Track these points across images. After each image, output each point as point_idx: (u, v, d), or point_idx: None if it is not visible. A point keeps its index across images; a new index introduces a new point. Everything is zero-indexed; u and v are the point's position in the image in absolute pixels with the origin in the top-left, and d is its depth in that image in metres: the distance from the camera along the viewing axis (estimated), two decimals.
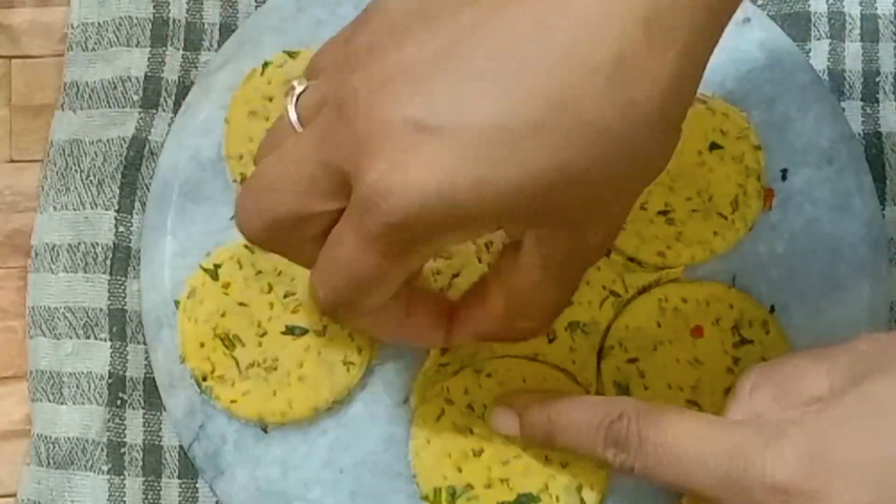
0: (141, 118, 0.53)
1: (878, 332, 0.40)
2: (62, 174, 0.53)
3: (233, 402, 0.49)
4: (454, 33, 0.35)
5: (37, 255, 0.53)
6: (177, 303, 0.50)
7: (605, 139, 0.34)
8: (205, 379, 0.49)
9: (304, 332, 0.49)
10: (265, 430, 0.49)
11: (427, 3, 0.36)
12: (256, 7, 0.55)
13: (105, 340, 0.52)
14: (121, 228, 0.52)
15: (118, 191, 0.53)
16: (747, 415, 0.40)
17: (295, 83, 0.40)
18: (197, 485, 0.51)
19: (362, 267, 0.37)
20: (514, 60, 0.34)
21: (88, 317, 0.52)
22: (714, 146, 0.51)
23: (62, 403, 0.51)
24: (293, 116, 0.39)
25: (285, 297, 0.49)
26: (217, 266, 0.50)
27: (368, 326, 0.44)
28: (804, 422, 0.37)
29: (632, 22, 0.34)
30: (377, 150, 0.35)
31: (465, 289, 0.49)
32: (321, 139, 0.37)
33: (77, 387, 0.51)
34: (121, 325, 0.52)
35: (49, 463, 0.51)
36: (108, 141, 0.53)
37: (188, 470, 0.51)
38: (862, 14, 0.54)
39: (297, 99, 0.39)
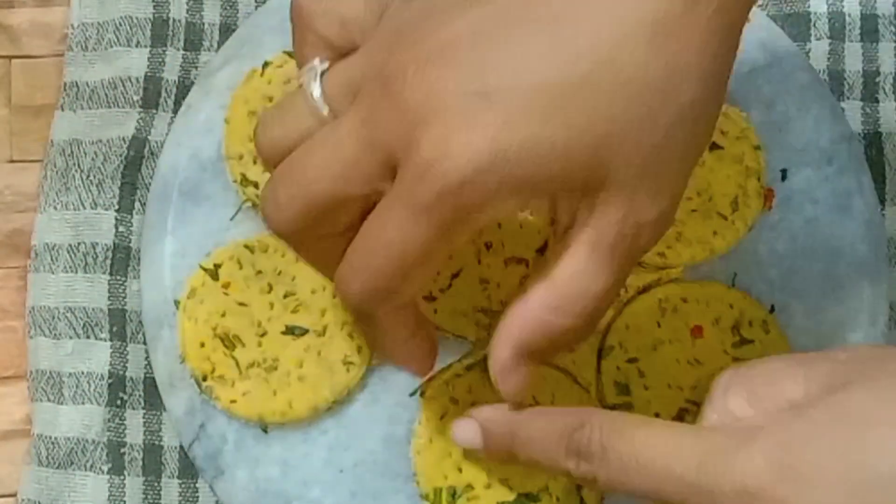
0: (141, 118, 0.53)
1: (859, 344, 0.40)
2: (62, 174, 0.53)
3: (233, 401, 0.49)
4: (501, 4, 0.36)
5: (37, 255, 0.53)
6: (177, 303, 0.50)
7: (650, 94, 0.35)
8: (205, 379, 0.49)
9: (304, 332, 0.49)
10: (265, 430, 0.49)
11: None
12: (256, 7, 0.55)
13: (105, 340, 0.52)
14: (121, 228, 0.52)
15: (118, 191, 0.53)
16: (720, 414, 0.39)
17: (316, 62, 0.40)
18: (197, 485, 0.51)
19: (409, 242, 0.36)
20: (559, 23, 0.35)
21: (88, 317, 0.52)
22: (714, 146, 0.51)
23: (62, 403, 0.51)
24: (317, 94, 0.39)
25: (285, 297, 0.49)
26: (217, 266, 0.50)
27: (381, 334, 0.43)
28: (776, 428, 0.36)
29: None
30: (431, 120, 0.35)
31: (464, 290, 0.49)
32: (365, 118, 0.37)
33: (77, 387, 0.51)
34: (121, 324, 0.52)
35: (49, 463, 0.51)
36: (108, 141, 0.53)
37: (188, 470, 0.51)
38: (862, 14, 0.54)
39: (321, 78, 0.39)
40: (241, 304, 0.49)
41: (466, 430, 0.45)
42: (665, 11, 0.35)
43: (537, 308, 0.38)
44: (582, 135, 0.35)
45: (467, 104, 0.35)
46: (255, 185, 0.50)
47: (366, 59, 0.38)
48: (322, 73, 0.39)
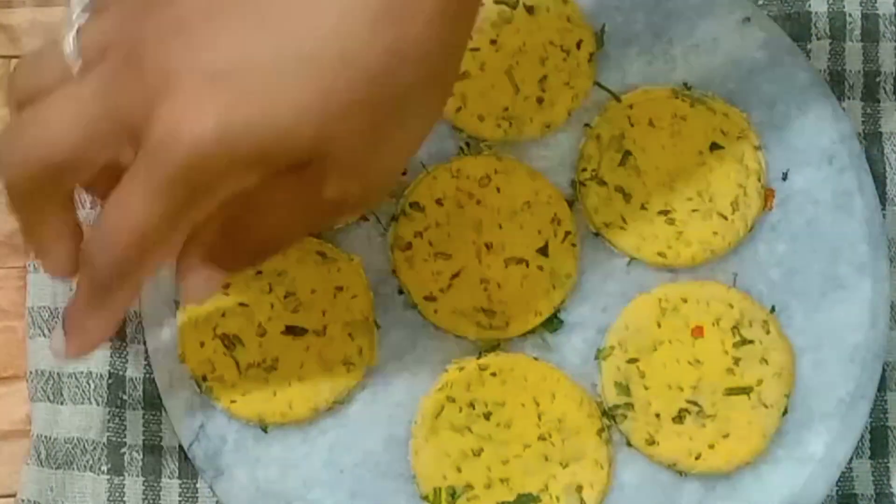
0: None
1: None
2: None
3: (233, 402, 0.49)
4: None
5: None
6: (177, 303, 0.50)
7: (369, 76, 0.36)
8: (205, 379, 0.49)
9: (304, 332, 0.49)
10: (265, 431, 0.49)
11: None
12: None
13: None
14: None
15: None
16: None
17: (76, 13, 0.39)
18: (197, 485, 0.51)
19: (148, 218, 0.37)
20: (290, 4, 0.36)
21: None
22: (714, 146, 0.51)
23: (62, 403, 0.51)
24: (70, 49, 0.38)
25: (285, 297, 0.49)
26: None
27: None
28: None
29: None
30: (165, 97, 0.36)
31: (464, 290, 0.49)
32: (108, 84, 0.37)
33: (77, 387, 0.51)
34: (121, 325, 0.52)
35: (49, 463, 0.51)
36: None
37: (188, 470, 0.51)
38: (862, 13, 0.54)
39: (77, 31, 0.39)
40: (242, 304, 0.49)
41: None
42: None
43: None
44: (306, 113, 0.36)
45: (198, 84, 0.35)
46: None
47: (118, 17, 0.38)
48: (80, 27, 0.39)
